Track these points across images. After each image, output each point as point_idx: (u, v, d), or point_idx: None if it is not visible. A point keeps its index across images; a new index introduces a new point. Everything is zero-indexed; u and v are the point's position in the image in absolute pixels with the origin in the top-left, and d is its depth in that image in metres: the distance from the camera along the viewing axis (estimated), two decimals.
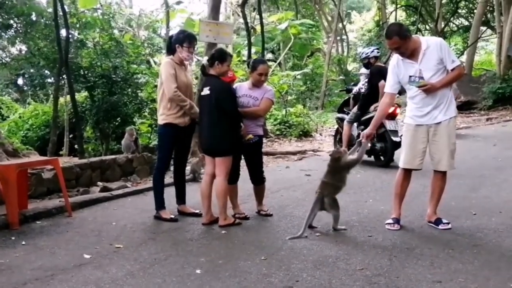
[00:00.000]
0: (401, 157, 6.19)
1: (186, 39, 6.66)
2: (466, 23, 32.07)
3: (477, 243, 5.42)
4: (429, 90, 5.73)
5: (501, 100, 22.02)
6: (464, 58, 29.38)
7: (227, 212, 6.34)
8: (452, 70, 5.76)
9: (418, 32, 29.85)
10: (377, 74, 10.30)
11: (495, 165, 10.11)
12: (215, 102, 6.13)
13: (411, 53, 5.80)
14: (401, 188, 6.19)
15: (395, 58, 6.04)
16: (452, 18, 30.89)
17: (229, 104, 6.22)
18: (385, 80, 10.10)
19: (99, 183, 9.04)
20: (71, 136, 15.08)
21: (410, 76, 5.76)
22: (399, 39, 5.68)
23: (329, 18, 35.41)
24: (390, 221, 6.10)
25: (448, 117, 5.86)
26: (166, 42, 7.22)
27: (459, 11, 31.17)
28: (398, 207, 6.20)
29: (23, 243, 5.67)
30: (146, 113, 13.28)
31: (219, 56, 6.35)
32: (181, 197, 6.95)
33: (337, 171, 6.06)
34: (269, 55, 29.23)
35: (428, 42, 5.83)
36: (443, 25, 28.27)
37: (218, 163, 6.25)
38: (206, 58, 6.67)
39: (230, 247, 5.48)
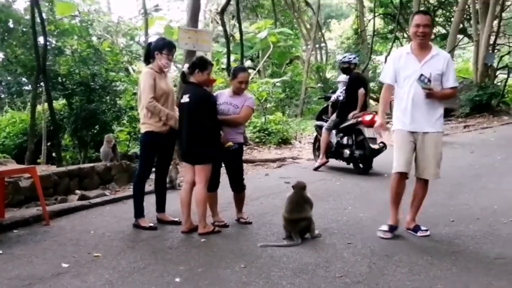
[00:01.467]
0: (395, 162, 6.01)
1: (165, 46, 6.67)
2: (444, 31, 32.31)
3: (455, 250, 5.46)
4: (430, 95, 5.74)
5: (478, 108, 22.24)
6: None
7: (206, 220, 6.32)
8: (448, 88, 5.87)
9: (397, 40, 30.12)
10: (356, 81, 10.39)
11: (472, 172, 10.20)
12: (194, 110, 6.13)
13: (419, 49, 5.86)
14: (398, 194, 6.06)
15: (399, 51, 6.18)
16: None
17: (208, 112, 6.21)
18: (364, 88, 10.23)
19: (77, 191, 8.96)
20: (49, 144, 14.94)
21: (421, 75, 5.67)
22: (431, 21, 5.89)
23: (308, 26, 35.50)
24: (385, 227, 6.01)
25: (435, 130, 5.88)
26: (144, 50, 7.21)
27: (436, 19, 31.39)
28: (395, 214, 6.09)
29: (0, 252, 5.60)
30: (124, 121, 13.22)
31: (200, 64, 6.36)
32: (160, 205, 6.91)
33: (302, 202, 6.02)
34: (248, 63, 29.26)
35: (438, 50, 5.97)
36: None
37: (198, 171, 6.24)
38: (186, 65, 6.66)
39: (209, 255, 5.47)
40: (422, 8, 28.66)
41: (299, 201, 6.00)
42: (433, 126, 5.87)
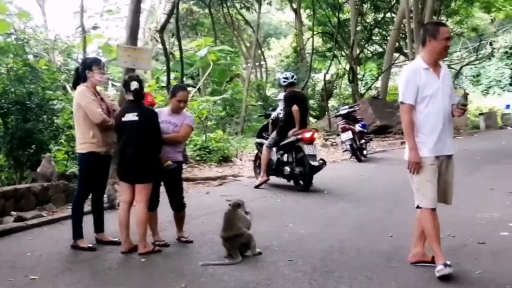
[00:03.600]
0: (425, 197, 5.39)
1: (93, 62, 6.74)
2: (380, 49, 33.07)
3: (394, 265, 5.55)
4: (464, 112, 5.48)
5: None
6: (378, 83, 30.25)
7: (146, 239, 6.25)
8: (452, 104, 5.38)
9: (335, 58, 30.63)
10: (290, 99, 10.53)
11: (410, 188, 10.33)
12: (146, 128, 6.10)
13: (434, 65, 5.32)
14: (436, 229, 5.33)
15: (413, 67, 5.40)
16: (366, 45, 31.84)
17: (158, 131, 6.29)
18: (297, 105, 10.33)
19: (13, 213, 8.71)
20: None
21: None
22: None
23: (248, 44, 35.77)
24: (441, 267, 5.08)
25: (453, 152, 5.44)
26: (74, 75, 7.11)
27: (373, 38, 32.16)
28: (441, 251, 5.26)
29: None
30: (62, 140, 12.99)
31: (126, 86, 6.46)
32: (99, 226, 6.80)
33: (234, 219, 6.06)
34: (188, 81, 29.21)
35: (444, 65, 5.55)
36: (358, 52, 29.06)
37: (139, 190, 6.18)
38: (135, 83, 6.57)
39: (150, 275, 5.41)
40: (359, 27, 29.36)
41: (231, 219, 6.04)
42: (453, 148, 5.44)
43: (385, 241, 6.52)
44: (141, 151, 6.16)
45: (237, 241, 5.90)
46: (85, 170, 6.66)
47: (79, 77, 6.67)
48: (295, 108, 10.35)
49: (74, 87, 6.82)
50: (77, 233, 6.52)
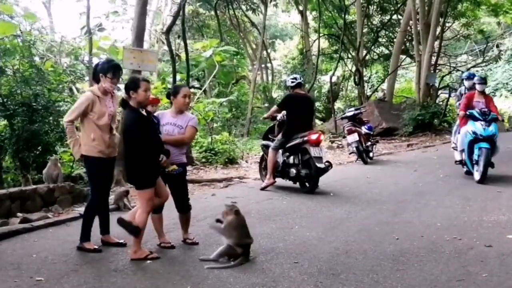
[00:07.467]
0: None
1: (110, 69, 6.52)
2: (387, 51, 32.97)
3: (400, 267, 5.52)
4: None
5: (421, 127, 22.68)
6: (385, 85, 30.17)
7: (138, 245, 6.15)
8: None
9: (341, 60, 30.60)
10: (283, 101, 10.78)
11: (416, 190, 10.34)
12: (125, 132, 6.04)
13: None
14: None
15: None
16: (373, 47, 31.72)
17: (137, 133, 6.04)
18: (284, 109, 10.53)
19: (19, 214, 8.73)
20: None
21: None
22: None
23: (254, 46, 35.69)
24: None
25: None
26: (92, 70, 7.11)
27: (380, 40, 32.05)
28: None
29: None
30: (68, 142, 13.02)
31: (132, 84, 6.19)
32: (105, 227, 6.78)
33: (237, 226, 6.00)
34: (194, 83, 29.21)
35: None
36: (364, 54, 29.01)
37: (137, 196, 6.19)
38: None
39: (155, 277, 5.40)
40: (366, 29, 29.33)
41: (245, 225, 6.02)
42: None
43: (391, 243, 6.50)
44: (127, 156, 6.11)
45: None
46: (92, 172, 6.65)
47: (96, 74, 6.64)
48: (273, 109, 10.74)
49: (94, 81, 6.77)
50: (86, 235, 6.50)
